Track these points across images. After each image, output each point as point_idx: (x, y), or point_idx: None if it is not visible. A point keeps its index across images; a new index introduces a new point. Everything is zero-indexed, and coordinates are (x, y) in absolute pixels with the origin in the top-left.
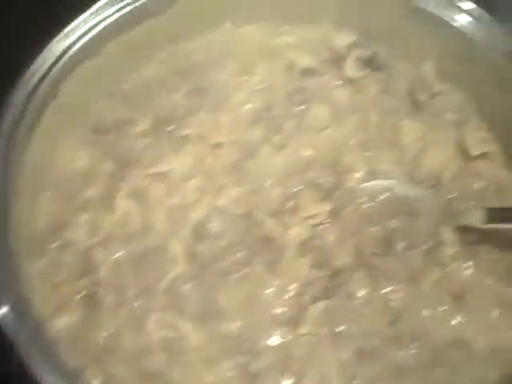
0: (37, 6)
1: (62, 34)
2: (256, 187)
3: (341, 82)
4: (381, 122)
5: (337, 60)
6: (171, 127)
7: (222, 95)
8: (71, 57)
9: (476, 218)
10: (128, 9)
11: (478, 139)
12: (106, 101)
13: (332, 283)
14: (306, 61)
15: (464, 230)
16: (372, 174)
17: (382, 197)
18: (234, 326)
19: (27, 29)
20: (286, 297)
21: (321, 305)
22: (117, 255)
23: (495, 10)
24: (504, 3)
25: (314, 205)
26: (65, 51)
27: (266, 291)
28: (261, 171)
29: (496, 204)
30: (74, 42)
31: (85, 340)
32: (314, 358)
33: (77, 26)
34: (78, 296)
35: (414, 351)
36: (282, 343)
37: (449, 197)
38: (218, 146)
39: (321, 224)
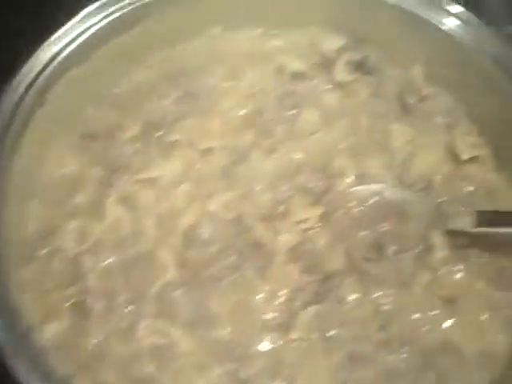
0: (24, 16)
1: (49, 41)
2: (246, 192)
3: (331, 86)
4: (371, 125)
5: (326, 64)
6: (160, 133)
7: (212, 100)
8: (60, 63)
9: (466, 222)
10: (117, 15)
11: (468, 143)
12: (96, 107)
13: (323, 288)
14: (295, 65)
15: (454, 234)
16: (362, 178)
17: (372, 201)
18: (225, 331)
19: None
20: (277, 302)
21: (311, 310)
22: (106, 262)
23: (483, 13)
24: (492, 6)
25: (305, 209)
26: (53, 58)
27: (257, 297)
28: (251, 176)
29: (486, 208)
30: (62, 50)
31: (74, 347)
32: (304, 363)
33: (64, 34)
34: (67, 304)
35: (404, 355)
36: (273, 349)
37: (439, 200)
38: (207, 151)
39: (311, 228)
